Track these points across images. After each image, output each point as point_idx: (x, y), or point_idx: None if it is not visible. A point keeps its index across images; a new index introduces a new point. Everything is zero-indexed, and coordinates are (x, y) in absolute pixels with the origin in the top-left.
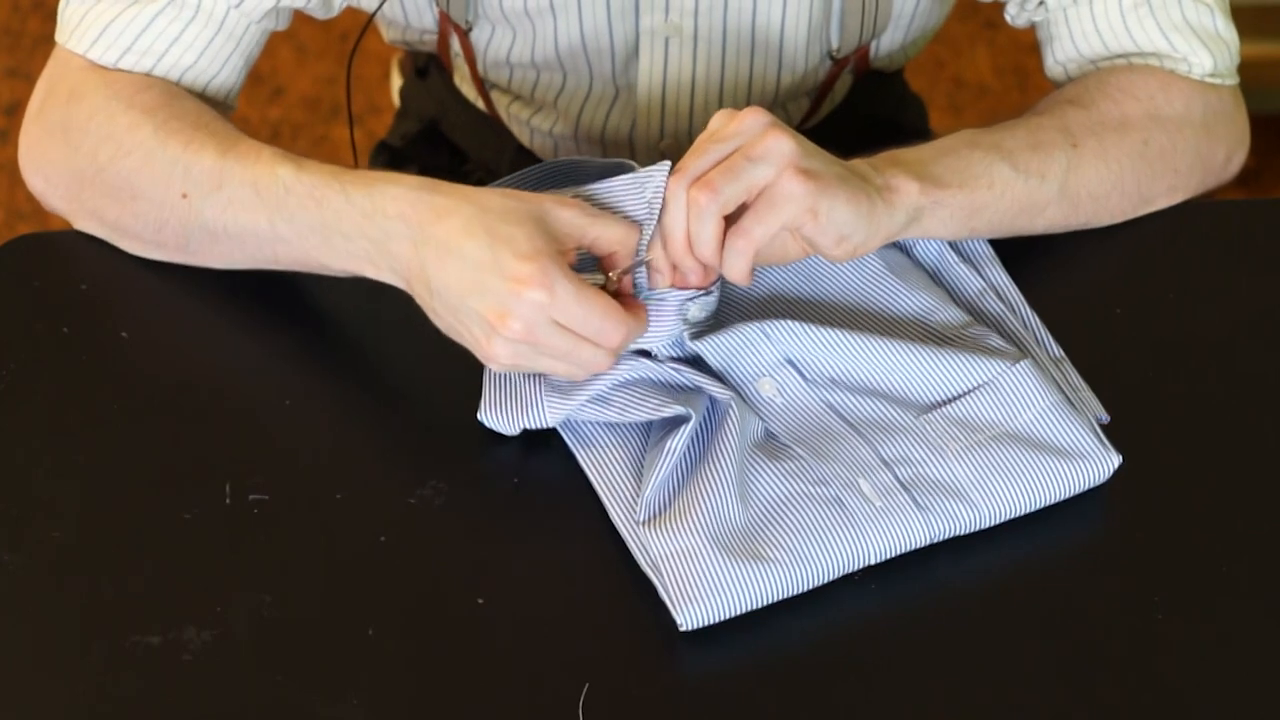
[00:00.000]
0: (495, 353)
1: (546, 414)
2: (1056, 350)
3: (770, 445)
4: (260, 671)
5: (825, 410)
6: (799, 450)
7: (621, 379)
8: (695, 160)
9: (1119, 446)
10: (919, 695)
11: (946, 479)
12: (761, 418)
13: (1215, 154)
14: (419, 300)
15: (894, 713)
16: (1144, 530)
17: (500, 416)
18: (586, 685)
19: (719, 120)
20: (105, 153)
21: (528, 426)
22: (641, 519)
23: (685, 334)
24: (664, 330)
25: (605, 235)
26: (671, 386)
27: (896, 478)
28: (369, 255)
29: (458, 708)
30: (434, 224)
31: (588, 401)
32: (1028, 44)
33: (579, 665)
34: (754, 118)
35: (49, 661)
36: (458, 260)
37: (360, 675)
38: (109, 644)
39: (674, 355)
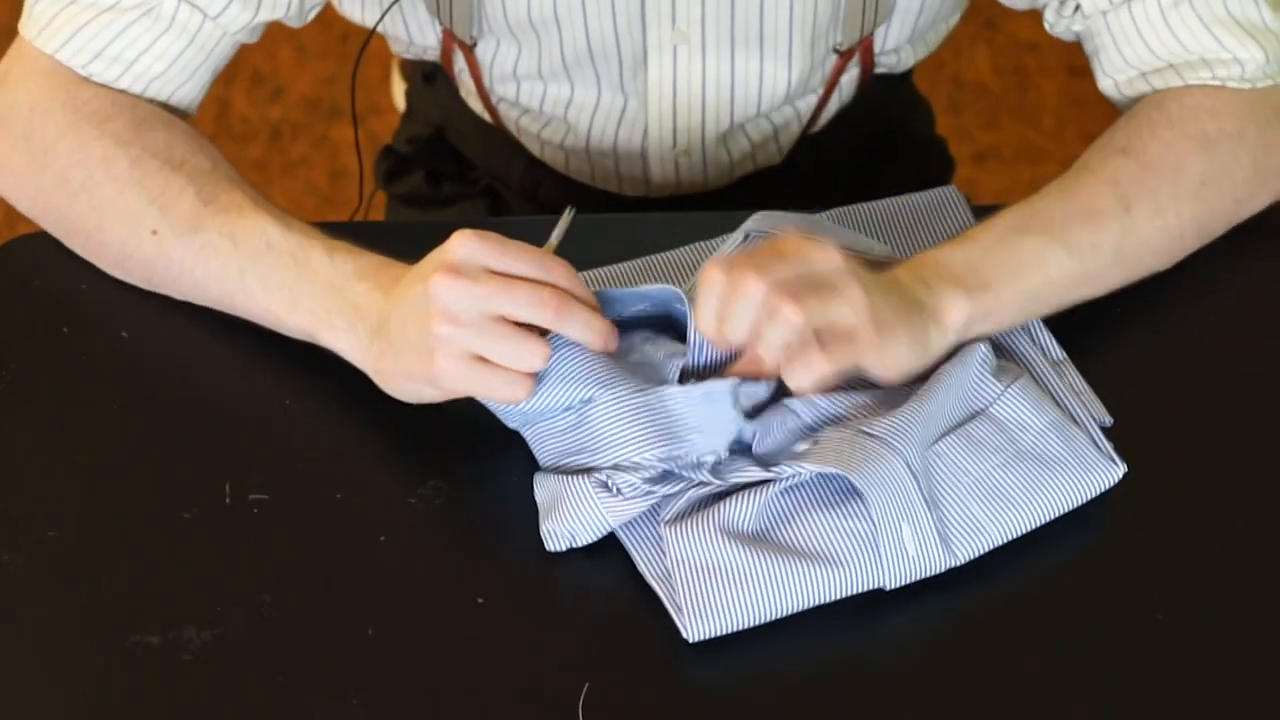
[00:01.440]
0: (435, 327)
1: (609, 522)
2: (1059, 353)
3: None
4: (260, 671)
5: (865, 437)
6: (848, 476)
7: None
8: (776, 269)
9: (1119, 448)
10: (919, 696)
11: (967, 518)
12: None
13: (1273, 163)
14: (371, 362)
15: (894, 714)
16: (1144, 531)
17: (567, 539)
18: (586, 685)
19: (792, 242)
20: (76, 179)
21: (596, 538)
22: (667, 518)
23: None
24: (723, 425)
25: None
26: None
27: (934, 524)
28: (329, 313)
29: (458, 708)
30: (401, 279)
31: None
32: (1027, 43)
33: (579, 665)
34: (829, 256)
35: (49, 661)
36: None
37: (360, 675)
38: (109, 644)
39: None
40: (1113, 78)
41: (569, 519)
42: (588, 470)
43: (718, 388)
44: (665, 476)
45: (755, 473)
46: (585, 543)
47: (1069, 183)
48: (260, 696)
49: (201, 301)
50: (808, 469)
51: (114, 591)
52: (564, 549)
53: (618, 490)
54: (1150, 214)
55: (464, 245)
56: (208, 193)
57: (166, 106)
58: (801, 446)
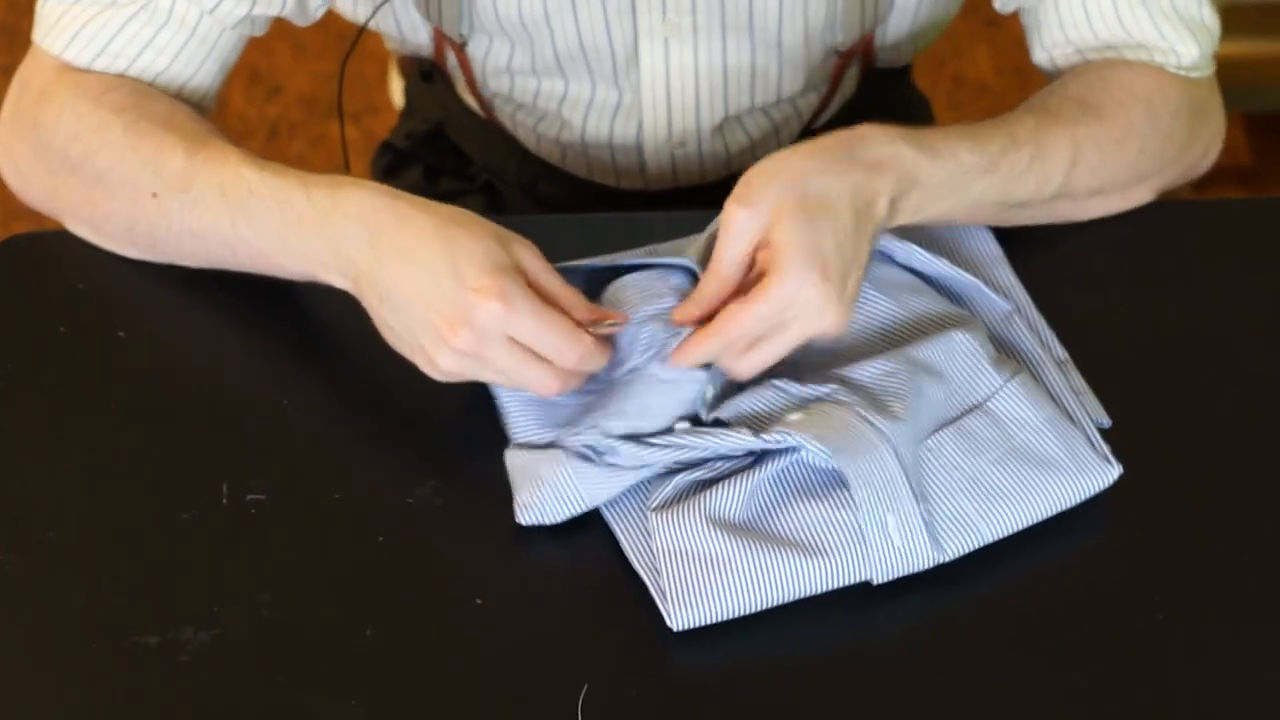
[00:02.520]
0: (441, 363)
1: (585, 498)
2: (1061, 353)
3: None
4: (259, 671)
5: (858, 419)
6: (839, 462)
7: (658, 470)
8: (768, 351)
9: (1118, 448)
10: (916, 695)
11: (957, 514)
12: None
13: (1194, 150)
14: (366, 304)
15: (891, 713)
16: (1144, 530)
17: (538, 511)
18: (585, 686)
19: (783, 292)
20: (75, 151)
21: (571, 514)
22: (654, 505)
23: (704, 410)
24: (679, 409)
25: (557, 290)
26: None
27: (920, 515)
28: (320, 256)
29: (457, 708)
30: (393, 230)
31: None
32: None
33: (578, 666)
34: (830, 321)
35: (48, 661)
36: (414, 268)
37: (360, 675)
38: (108, 644)
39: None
40: (1050, 52)
41: (539, 488)
42: (559, 445)
43: (686, 380)
44: (640, 440)
45: (746, 438)
46: (556, 518)
47: (1044, 135)
48: (259, 696)
49: (207, 262)
50: (801, 440)
51: (112, 591)
52: (533, 523)
53: (597, 454)
54: (1090, 170)
55: (489, 311)
56: (195, 146)
57: (180, 99)
58: (795, 416)
